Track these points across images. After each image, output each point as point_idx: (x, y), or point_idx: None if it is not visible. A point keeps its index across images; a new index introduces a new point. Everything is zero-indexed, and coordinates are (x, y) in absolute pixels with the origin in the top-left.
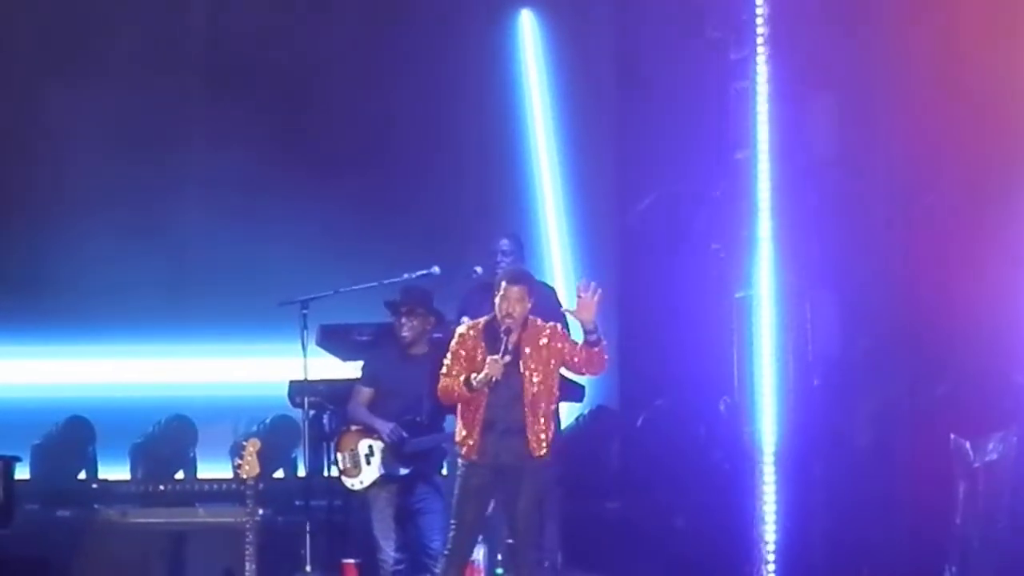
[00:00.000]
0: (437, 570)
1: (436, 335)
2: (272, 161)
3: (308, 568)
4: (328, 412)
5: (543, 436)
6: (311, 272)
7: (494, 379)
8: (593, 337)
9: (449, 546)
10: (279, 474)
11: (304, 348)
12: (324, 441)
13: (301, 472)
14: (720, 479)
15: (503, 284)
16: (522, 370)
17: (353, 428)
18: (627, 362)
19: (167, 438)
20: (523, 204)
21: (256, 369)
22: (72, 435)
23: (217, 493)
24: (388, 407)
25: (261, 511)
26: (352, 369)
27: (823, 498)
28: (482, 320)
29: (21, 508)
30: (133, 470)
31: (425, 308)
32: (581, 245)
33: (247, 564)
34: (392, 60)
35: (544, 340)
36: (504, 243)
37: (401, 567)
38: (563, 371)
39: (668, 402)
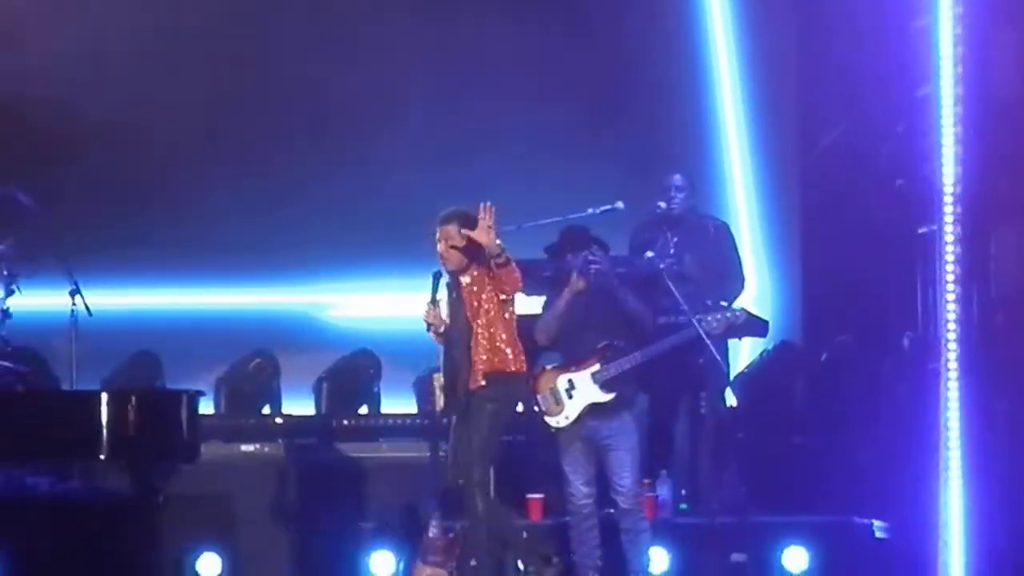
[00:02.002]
0: (626, 505)
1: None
2: (468, 104)
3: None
4: None
5: (480, 368)
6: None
7: (430, 324)
8: (500, 259)
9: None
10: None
11: None
12: None
13: None
14: (905, 415)
15: (437, 226)
16: (466, 311)
17: (548, 367)
18: (811, 297)
19: (351, 373)
20: (707, 141)
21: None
22: (258, 370)
23: (400, 428)
24: (578, 340)
25: (445, 446)
26: (535, 304)
27: (1006, 425)
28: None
29: (205, 442)
30: (317, 405)
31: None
32: (764, 182)
33: (430, 499)
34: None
35: (477, 284)
36: (676, 179)
37: (589, 502)
38: (748, 307)
39: (852, 337)
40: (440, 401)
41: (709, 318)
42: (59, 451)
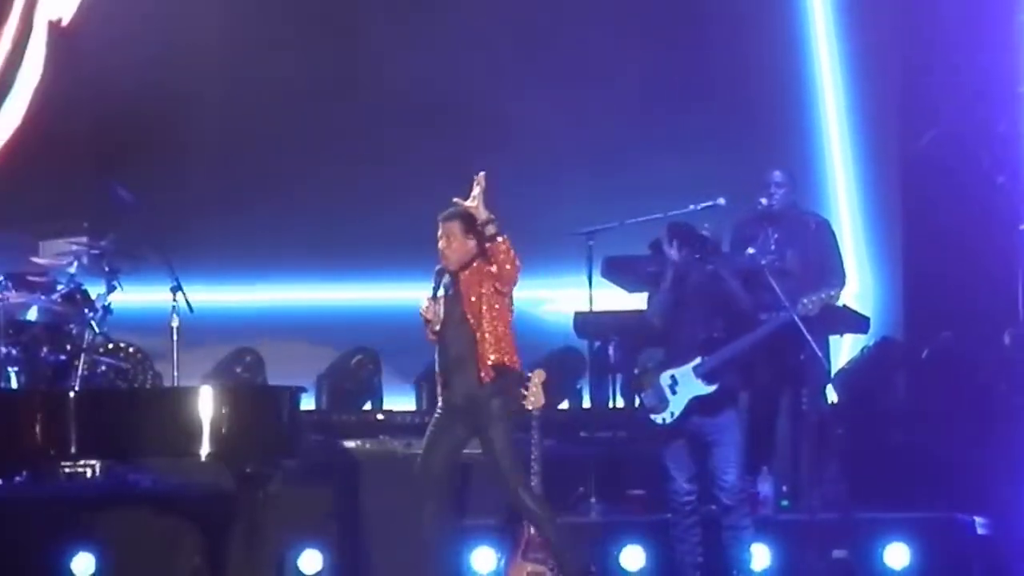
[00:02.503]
0: (729, 502)
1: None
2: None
3: (592, 499)
4: (613, 343)
5: (487, 363)
6: (597, 203)
7: (430, 320)
8: (490, 231)
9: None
10: (564, 405)
11: (590, 280)
12: (609, 372)
13: (586, 403)
14: (1007, 411)
15: (439, 223)
16: (465, 310)
17: (650, 365)
18: (912, 293)
19: None
20: (809, 138)
21: (542, 300)
22: (359, 366)
23: None
24: (679, 335)
25: (545, 442)
26: (638, 300)
27: None
28: None
29: (307, 439)
30: (418, 401)
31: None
32: (865, 179)
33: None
34: None
35: (476, 279)
36: (776, 175)
37: (692, 498)
38: (847, 304)
39: (954, 334)
40: (442, 392)
41: (805, 300)
42: (161, 448)
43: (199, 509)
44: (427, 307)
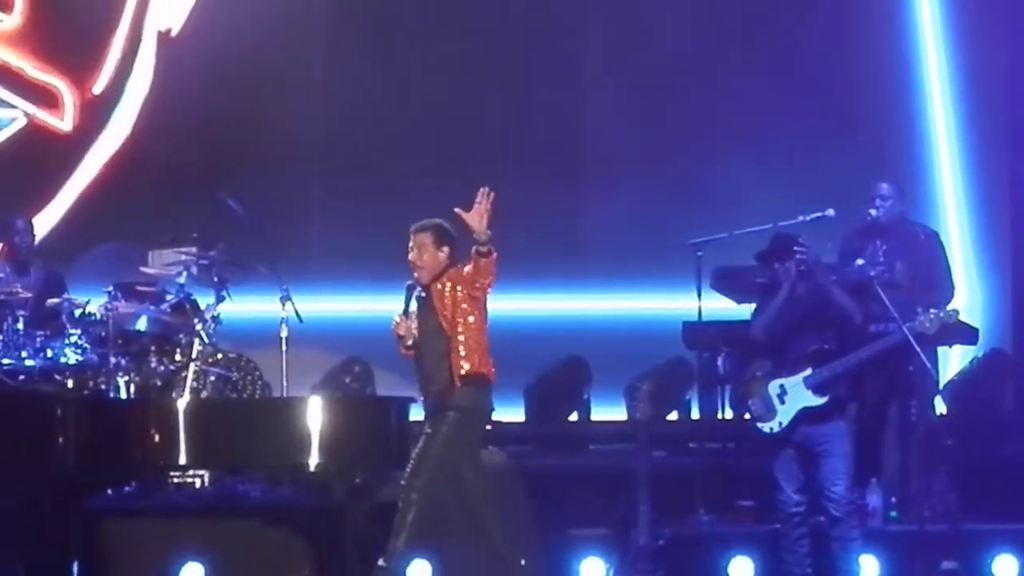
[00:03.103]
0: (837, 513)
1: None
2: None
3: (701, 510)
4: (722, 354)
5: (462, 373)
6: (706, 214)
7: (402, 336)
8: (484, 248)
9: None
10: (673, 416)
11: (699, 290)
12: (718, 383)
13: (695, 414)
14: None
15: (410, 235)
16: (440, 322)
17: (759, 374)
18: (1022, 305)
19: (561, 380)
20: (917, 149)
21: (652, 309)
22: None
23: (611, 435)
24: (788, 344)
25: (655, 454)
26: (747, 311)
27: None
28: None
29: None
30: (527, 411)
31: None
32: (973, 190)
33: (640, 506)
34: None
35: (449, 287)
36: (884, 187)
37: (800, 509)
38: (960, 315)
39: None
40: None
41: (921, 318)
42: (270, 458)
43: (308, 520)
44: (398, 323)
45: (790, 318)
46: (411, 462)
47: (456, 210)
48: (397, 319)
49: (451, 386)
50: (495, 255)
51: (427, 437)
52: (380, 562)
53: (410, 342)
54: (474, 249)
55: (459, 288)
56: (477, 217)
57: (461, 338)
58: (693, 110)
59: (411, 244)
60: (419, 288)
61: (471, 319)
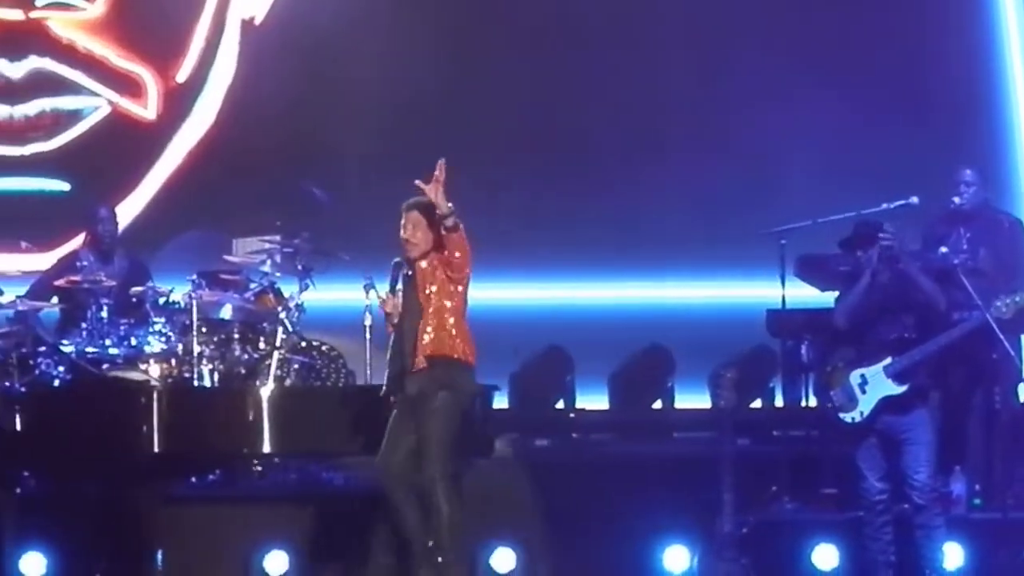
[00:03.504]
0: (921, 500)
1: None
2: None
3: (785, 498)
4: (806, 342)
5: (423, 350)
6: (790, 201)
7: (387, 313)
8: (449, 223)
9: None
10: (756, 404)
11: (782, 278)
12: (802, 371)
13: (779, 402)
14: None
15: (403, 212)
16: (420, 301)
17: (840, 363)
18: None
19: (644, 367)
20: (1001, 136)
21: (735, 297)
22: (550, 364)
23: (694, 422)
24: (869, 333)
25: (739, 442)
26: (831, 299)
27: None
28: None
29: (500, 437)
30: (611, 399)
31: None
32: None
33: (724, 494)
34: None
35: (434, 267)
36: (967, 174)
37: (883, 497)
38: None
39: None
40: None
41: (999, 303)
42: (353, 446)
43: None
44: (384, 300)
45: (871, 306)
46: (390, 444)
47: (417, 182)
48: (383, 296)
49: (418, 362)
50: (460, 230)
51: (420, 421)
52: (438, 558)
53: (395, 320)
54: (449, 226)
55: (440, 274)
56: (434, 190)
57: (433, 319)
58: (776, 98)
59: (403, 221)
60: (405, 266)
61: (451, 304)
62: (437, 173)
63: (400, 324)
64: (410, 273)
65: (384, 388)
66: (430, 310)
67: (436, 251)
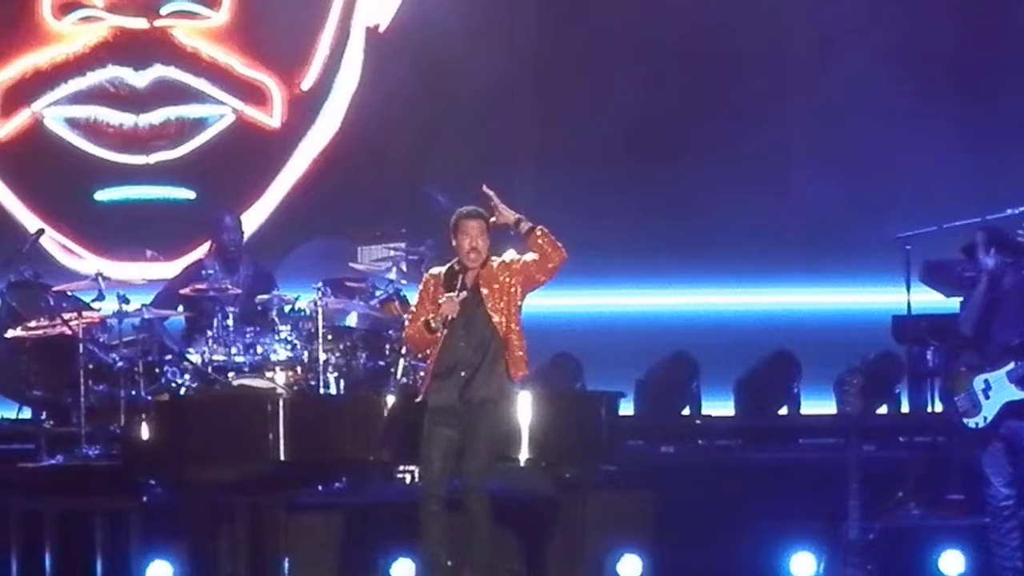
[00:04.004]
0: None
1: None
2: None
3: (911, 504)
4: (932, 348)
5: (518, 355)
6: (919, 206)
7: (449, 317)
8: (524, 227)
9: (420, 490)
10: (882, 410)
11: (907, 284)
12: (928, 377)
13: (905, 408)
14: None
15: (459, 221)
16: (483, 310)
17: (963, 369)
18: None
19: (770, 373)
20: None
21: (861, 303)
22: (676, 371)
23: (820, 428)
24: (991, 339)
25: (865, 447)
26: (957, 305)
27: None
28: (446, 265)
29: (626, 444)
30: (737, 405)
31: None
32: None
33: (850, 500)
34: None
35: (503, 277)
36: None
37: (1010, 503)
38: None
39: None
40: (437, 393)
41: None
42: None
43: (519, 514)
44: (451, 305)
45: (994, 311)
46: (441, 460)
47: (485, 188)
48: (449, 301)
49: (511, 375)
50: (538, 227)
51: (473, 434)
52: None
53: (440, 323)
54: (525, 232)
55: (514, 280)
56: (499, 214)
57: (515, 328)
58: (901, 104)
59: (465, 230)
60: (464, 273)
61: (516, 310)
62: (492, 197)
63: (450, 332)
64: (466, 283)
65: (434, 400)
66: (512, 321)
67: (492, 258)
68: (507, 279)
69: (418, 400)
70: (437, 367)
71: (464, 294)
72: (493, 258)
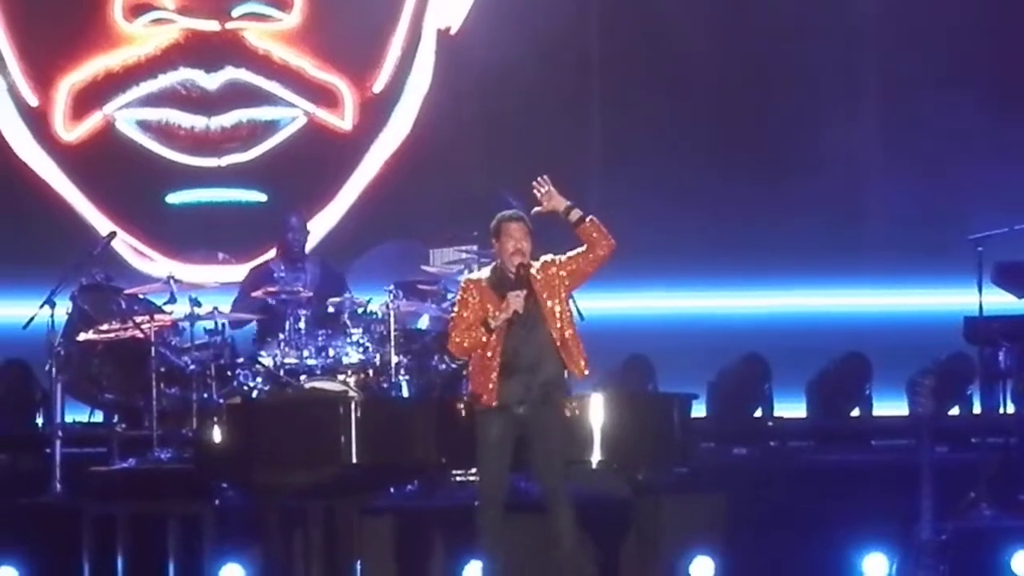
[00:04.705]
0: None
1: None
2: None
3: (983, 505)
4: (1004, 349)
5: (581, 364)
6: (990, 208)
7: (517, 312)
8: (575, 215)
9: (479, 495)
10: (955, 411)
11: (979, 285)
12: (1000, 378)
13: (977, 409)
14: None
15: (503, 224)
16: (544, 314)
17: None
18: None
19: (842, 375)
20: None
21: (933, 305)
22: (748, 372)
23: (892, 430)
24: None
25: (937, 449)
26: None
27: None
28: (486, 270)
29: (698, 446)
30: (808, 407)
31: None
32: None
33: (923, 501)
34: None
35: (552, 271)
36: None
37: None
38: None
39: None
40: (504, 394)
41: None
42: None
43: (592, 516)
44: (520, 303)
45: None
46: (543, 463)
47: (534, 212)
48: (519, 294)
49: (581, 371)
50: (588, 217)
51: (544, 433)
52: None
53: (503, 322)
54: (576, 220)
55: (564, 273)
56: (549, 203)
57: (569, 328)
58: (968, 106)
59: (509, 231)
60: (516, 272)
61: (566, 312)
62: (544, 187)
63: (509, 332)
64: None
65: (496, 402)
66: (565, 320)
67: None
68: (555, 273)
69: (483, 404)
70: (501, 368)
71: (525, 291)
72: (533, 261)
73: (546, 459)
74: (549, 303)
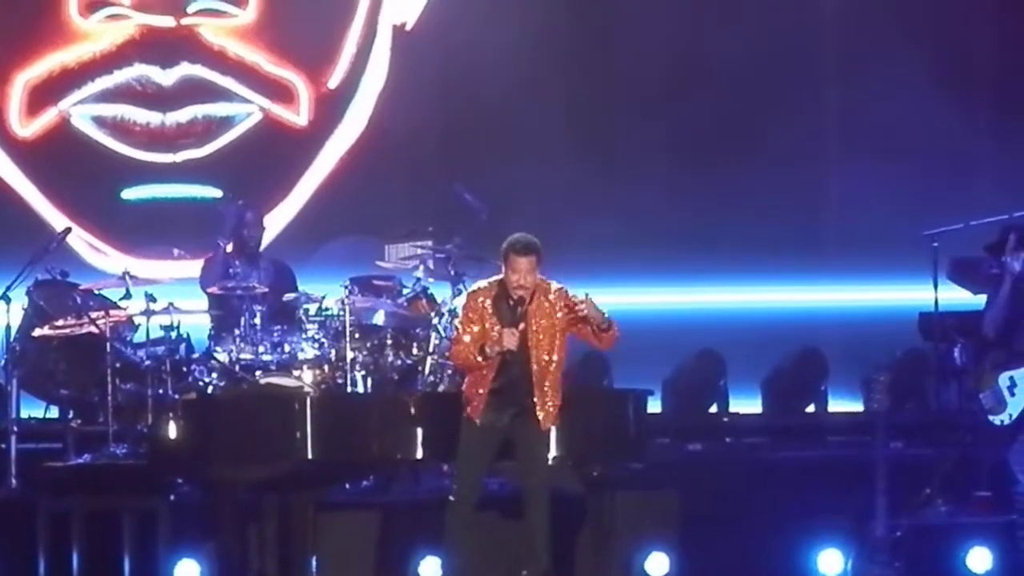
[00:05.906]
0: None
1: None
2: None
3: (939, 501)
4: (959, 345)
5: (550, 409)
6: (941, 204)
7: (506, 348)
8: (605, 324)
9: (454, 493)
10: (909, 407)
11: (935, 281)
12: (955, 374)
13: (932, 405)
14: None
15: (511, 255)
16: (529, 346)
17: (988, 366)
18: None
19: (797, 371)
20: None
21: (888, 300)
22: (703, 368)
23: (847, 426)
24: (1017, 337)
25: (891, 445)
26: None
27: None
28: (494, 284)
29: (653, 442)
30: (764, 403)
31: None
32: None
33: (877, 498)
34: None
35: (557, 313)
36: None
37: None
38: None
39: None
40: (488, 414)
41: None
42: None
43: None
44: (511, 338)
45: (1016, 310)
46: (474, 471)
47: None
48: (513, 332)
49: (541, 426)
50: (615, 327)
51: (529, 437)
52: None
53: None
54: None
55: (565, 320)
56: (592, 318)
57: (556, 378)
58: (928, 100)
59: (515, 265)
60: (515, 302)
61: (559, 355)
62: (583, 307)
63: (506, 361)
64: (520, 316)
65: (479, 418)
66: (551, 371)
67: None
68: (558, 317)
69: (469, 414)
70: (491, 392)
71: (523, 325)
72: (549, 282)
73: (530, 459)
74: (536, 350)
